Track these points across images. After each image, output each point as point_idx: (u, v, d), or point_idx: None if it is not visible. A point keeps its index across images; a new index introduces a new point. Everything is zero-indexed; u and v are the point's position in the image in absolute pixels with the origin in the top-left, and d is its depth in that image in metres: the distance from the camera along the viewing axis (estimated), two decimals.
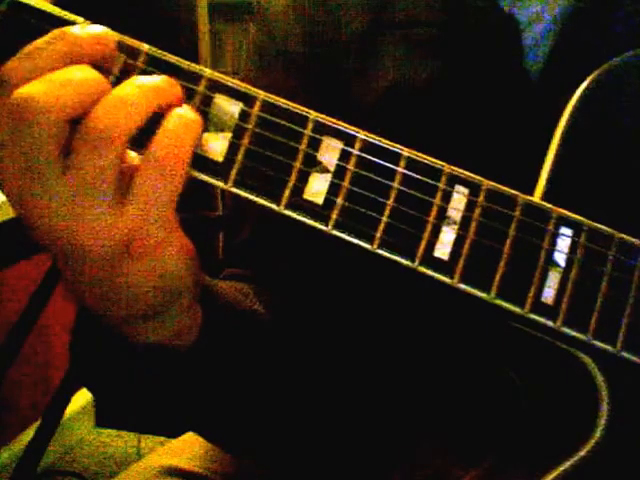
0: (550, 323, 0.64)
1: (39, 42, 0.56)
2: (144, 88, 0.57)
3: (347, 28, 0.84)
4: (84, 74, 0.56)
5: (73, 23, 0.58)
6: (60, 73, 0.55)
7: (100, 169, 0.56)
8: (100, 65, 0.57)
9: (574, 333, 0.64)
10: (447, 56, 0.81)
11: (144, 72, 0.58)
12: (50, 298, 2.13)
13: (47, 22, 0.58)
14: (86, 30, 0.57)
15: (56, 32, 0.56)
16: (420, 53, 0.81)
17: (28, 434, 2.29)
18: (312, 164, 0.60)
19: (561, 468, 0.67)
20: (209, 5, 2.52)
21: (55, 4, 0.59)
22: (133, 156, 0.58)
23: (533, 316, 0.63)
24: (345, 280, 0.83)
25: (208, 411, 0.76)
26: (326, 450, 0.88)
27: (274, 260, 0.87)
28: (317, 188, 0.60)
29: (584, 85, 0.69)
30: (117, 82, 0.58)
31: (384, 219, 0.61)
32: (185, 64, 0.59)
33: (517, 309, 0.63)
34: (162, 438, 2.56)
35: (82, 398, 2.72)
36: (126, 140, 0.56)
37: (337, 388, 0.85)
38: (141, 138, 0.57)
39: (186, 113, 0.58)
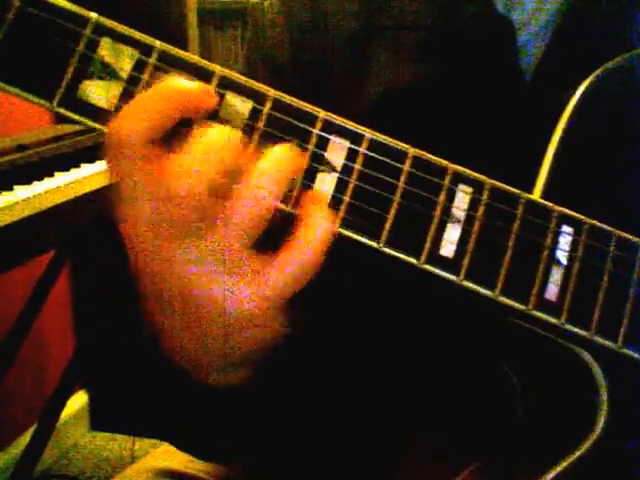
0: (554, 320, 0.64)
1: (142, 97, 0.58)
2: (283, 161, 0.59)
3: (337, 33, 0.84)
4: (227, 136, 0.58)
5: (86, 18, 0.58)
6: (206, 140, 0.57)
7: (244, 245, 0.59)
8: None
9: (577, 330, 0.65)
10: (439, 59, 0.81)
11: (157, 68, 0.58)
12: (45, 304, 2.13)
13: (61, 17, 0.58)
14: (193, 85, 0.59)
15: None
16: (411, 57, 0.81)
17: (24, 439, 2.28)
18: (320, 163, 0.60)
19: (561, 466, 0.67)
20: (198, 12, 2.52)
21: None
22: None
23: (537, 313, 0.64)
24: (341, 280, 0.83)
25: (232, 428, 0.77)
26: (321, 450, 0.88)
27: None
28: (324, 187, 0.60)
29: (584, 85, 0.69)
30: (130, 78, 0.58)
31: (390, 217, 0.61)
32: (197, 61, 0.59)
33: (521, 306, 0.63)
34: (156, 441, 2.55)
35: (77, 402, 2.72)
36: (270, 216, 0.58)
37: (336, 388, 0.85)
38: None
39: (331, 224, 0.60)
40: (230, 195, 0.58)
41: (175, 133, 0.58)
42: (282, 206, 0.60)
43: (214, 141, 0.58)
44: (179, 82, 0.58)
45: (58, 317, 2.59)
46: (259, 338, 0.63)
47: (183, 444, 0.83)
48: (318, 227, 0.60)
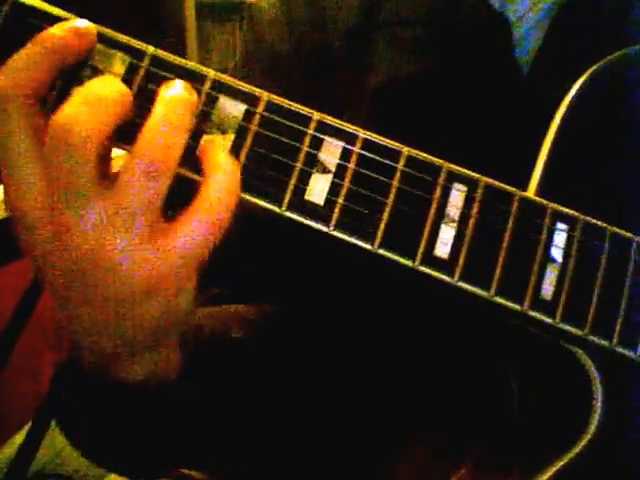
0: (549, 320, 0.64)
1: (21, 54, 0.55)
2: (185, 106, 0.56)
3: (336, 28, 0.85)
4: (113, 87, 0.55)
5: None
6: (91, 89, 0.55)
7: (150, 199, 0.55)
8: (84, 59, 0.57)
9: (572, 329, 0.65)
10: (436, 54, 0.81)
11: (149, 73, 0.58)
12: (40, 301, 2.13)
13: (49, 22, 0.57)
14: (63, 27, 0.56)
15: (36, 39, 0.56)
16: (408, 52, 0.82)
17: (19, 438, 2.28)
18: (314, 164, 0.60)
19: (556, 466, 0.67)
20: (197, 5, 2.52)
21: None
22: None
23: (532, 313, 0.64)
24: (330, 283, 0.83)
25: (190, 438, 0.75)
26: (320, 450, 0.88)
27: (254, 274, 0.87)
28: (318, 189, 0.60)
29: (580, 81, 0.69)
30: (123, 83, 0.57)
31: (384, 218, 0.61)
32: (189, 65, 0.59)
33: (517, 306, 0.63)
34: None
35: None
36: (176, 166, 0.55)
37: (330, 391, 0.85)
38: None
39: (234, 166, 0.57)
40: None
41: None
42: (184, 171, 0.58)
43: (97, 88, 0.55)
44: (50, 33, 0.56)
45: (53, 315, 2.58)
46: (165, 309, 0.59)
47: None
48: (220, 177, 0.57)
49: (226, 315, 0.82)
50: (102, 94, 0.54)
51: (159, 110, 0.55)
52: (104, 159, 0.56)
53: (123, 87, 0.56)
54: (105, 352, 0.62)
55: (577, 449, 0.67)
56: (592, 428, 0.67)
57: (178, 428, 0.72)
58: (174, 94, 0.56)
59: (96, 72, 0.57)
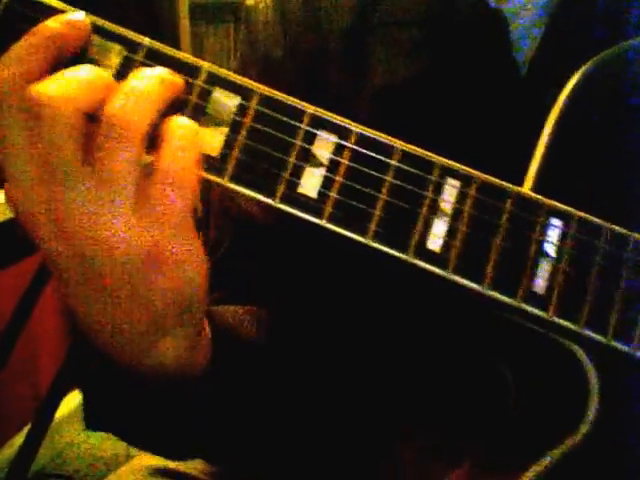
0: (542, 314, 0.64)
1: (17, 47, 0.56)
2: (153, 80, 0.57)
3: (331, 29, 0.85)
4: (89, 70, 0.56)
5: None
6: (68, 71, 0.55)
7: (125, 163, 0.55)
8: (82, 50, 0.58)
9: (566, 323, 0.65)
10: (432, 55, 0.81)
11: (144, 65, 0.58)
12: (38, 302, 2.13)
13: (49, 15, 0.57)
14: (59, 20, 0.57)
15: (31, 31, 0.56)
16: (404, 53, 0.82)
17: (19, 439, 2.28)
18: (307, 158, 0.60)
19: (548, 459, 0.67)
20: (190, 7, 2.52)
21: None
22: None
23: (525, 307, 0.64)
24: (330, 280, 0.83)
25: (206, 431, 0.76)
26: (314, 449, 0.88)
27: (255, 275, 0.87)
28: (311, 182, 0.60)
29: (576, 77, 0.69)
30: (118, 75, 0.58)
31: (377, 212, 0.61)
32: (185, 57, 0.59)
33: (510, 300, 0.63)
34: None
35: (71, 401, 2.71)
36: (146, 133, 0.56)
37: (327, 388, 0.85)
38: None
39: (188, 124, 0.58)
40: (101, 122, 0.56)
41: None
42: None
43: (78, 70, 0.56)
44: (45, 26, 0.56)
45: (52, 315, 2.58)
46: (170, 284, 0.60)
47: (151, 447, 0.81)
48: (176, 134, 0.57)
49: (231, 315, 0.82)
50: (75, 72, 0.56)
51: (129, 80, 0.57)
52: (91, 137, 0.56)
53: (98, 69, 0.57)
54: (126, 332, 0.62)
55: (573, 443, 0.67)
56: (588, 423, 0.67)
57: (187, 422, 0.72)
58: (149, 71, 0.57)
59: (91, 64, 0.57)
